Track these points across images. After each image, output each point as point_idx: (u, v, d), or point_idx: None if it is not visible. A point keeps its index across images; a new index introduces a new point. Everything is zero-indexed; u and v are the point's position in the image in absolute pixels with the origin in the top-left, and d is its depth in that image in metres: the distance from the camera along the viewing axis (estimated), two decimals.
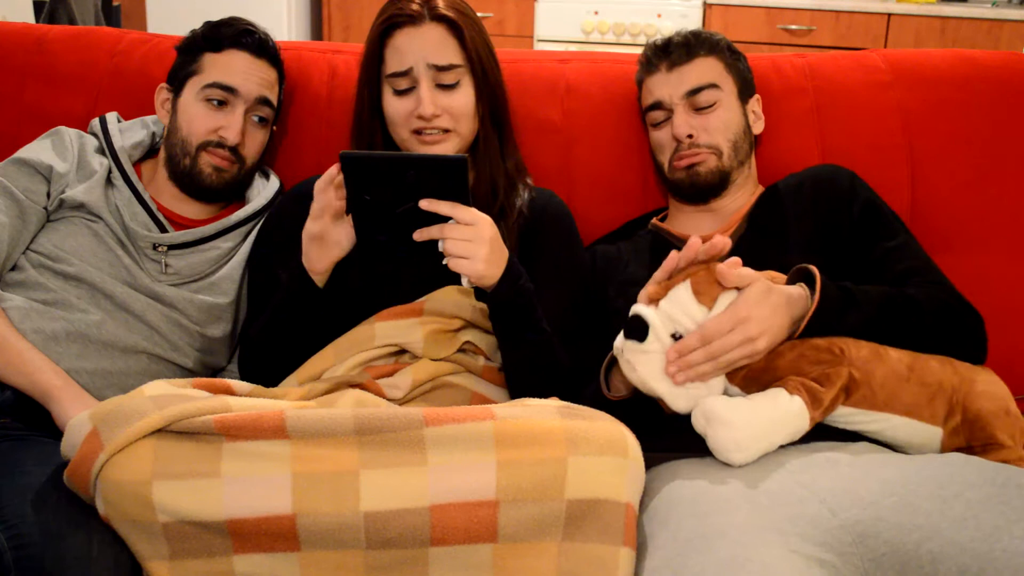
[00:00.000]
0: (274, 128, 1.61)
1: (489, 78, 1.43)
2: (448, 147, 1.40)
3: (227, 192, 1.53)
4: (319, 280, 1.30)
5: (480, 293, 1.34)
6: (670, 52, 1.50)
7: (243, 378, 1.44)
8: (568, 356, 1.38)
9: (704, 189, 1.48)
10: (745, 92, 1.54)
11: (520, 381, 1.35)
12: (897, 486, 1.05)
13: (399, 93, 1.39)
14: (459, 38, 1.38)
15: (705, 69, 1.49)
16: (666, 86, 1.49)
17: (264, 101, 1.51)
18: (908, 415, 1.18)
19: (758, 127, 1.56)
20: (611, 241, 1.58)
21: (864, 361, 1.18)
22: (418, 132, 1.40)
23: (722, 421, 1.12)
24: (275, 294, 1.36)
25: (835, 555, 0.99)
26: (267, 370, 1.38)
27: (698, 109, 1.47)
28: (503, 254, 1.26)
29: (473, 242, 1.20)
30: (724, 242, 1.16)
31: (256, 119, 1.51)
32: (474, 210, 1.20)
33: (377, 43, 1.39)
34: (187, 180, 1.49)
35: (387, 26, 1.38)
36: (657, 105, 1.50)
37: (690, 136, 1.47)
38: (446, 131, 1.39)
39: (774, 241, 1.42)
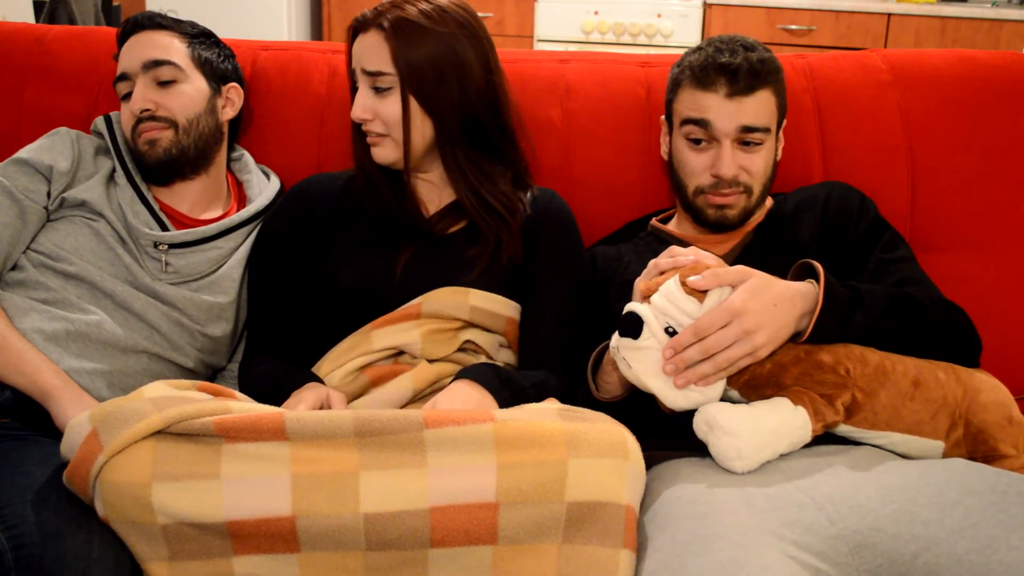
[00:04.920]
0: (233, 85, 1.59)
1: (427, 86, 1.38)
2: (387, 151, 1.42)
3: (185, 161, 1.50)
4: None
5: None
6: (737, 79, 1.38)
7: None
8: (566, 360, 1.38)
9: (727, 227, 1.46)
10: (782, 121, 1.48)
11: None
12: (897, 493, 1.04)
13: (353, 93, 1.43)
14: (389, 44, 1.37)
15: (763, 106, 1.40)
16: (721, 114, 1.39)
17: (154, 63, 1.49)
18: (909, 432, 1.18)
19: (779, 152, 1.51)
20: (611, 243, 1.57)
21: (868, 381, 1.16)
22: (365, 133, 1.43)
23: (725, 430, 1.11)
24: (278, 382, 1.36)
25: (831, 565, 0.99)
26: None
27: (744, 143, 1.41)
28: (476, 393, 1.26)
29: None
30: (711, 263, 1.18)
31: (159, 82, 1.49)
32: None
33: (348, 48, 1.44)
34: (144, 168, 1.50)
35: (350, 34, 1.43)
36: (703, 123, 1.40)
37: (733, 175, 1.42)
38: (381, 135, 1.41)
39: (779, 255, 1.40)
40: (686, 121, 1.43)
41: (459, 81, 1.40)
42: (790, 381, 1.16)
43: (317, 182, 1.52)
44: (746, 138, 1.40)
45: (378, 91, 1.39)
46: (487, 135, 1.45)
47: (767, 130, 1.41)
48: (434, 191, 1.48)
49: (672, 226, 1.56)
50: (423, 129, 1.41)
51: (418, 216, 1.45)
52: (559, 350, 1.40)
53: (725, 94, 1.39)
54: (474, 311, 1.37)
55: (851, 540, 1.01)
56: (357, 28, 1.42)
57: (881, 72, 1.71)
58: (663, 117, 1.54)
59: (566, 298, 1.43)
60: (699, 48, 1.45)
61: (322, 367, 1.36)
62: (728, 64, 1.39)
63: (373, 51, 1.39)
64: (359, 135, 1.46)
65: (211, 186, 1.57)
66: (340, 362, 1.35)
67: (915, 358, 1.21)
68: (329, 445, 1.03)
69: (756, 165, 1.42)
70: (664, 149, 1.53)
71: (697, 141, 1.43)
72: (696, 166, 1.44)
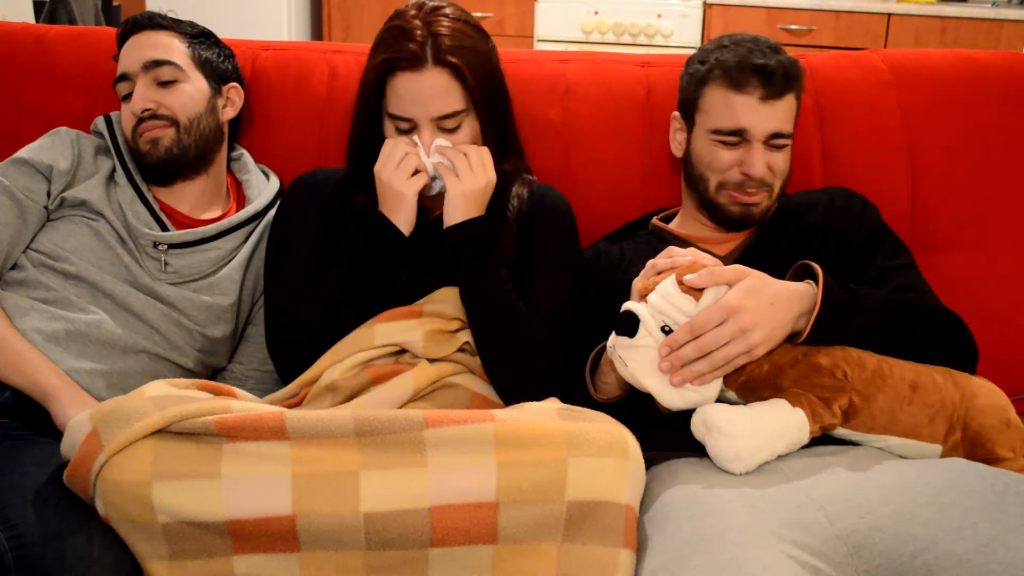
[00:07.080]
0: (234, 85, 1.59)
1: (494, 106, 1.40)
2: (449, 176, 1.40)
3: (186, 161, 1.50)
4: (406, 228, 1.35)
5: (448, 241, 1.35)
6: (772, 82, 1.37)
7: (278, 349, 1.40)
8: (559, 344, 1.37)
9: (748, 224, 1.46)
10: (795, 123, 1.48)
11: (485, 344, 1.34)
12: (896, 493, 1.04)
13: (401, 131, 1.37)
14: (462, 82, 1.33)
15: (789, 110, 1.41)
16: (755, 117, 1.38)
17: (154, 63, 1.49)
18: (907, 436, 1.18)
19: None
20: (613, 241, 1.57)
21: (866, 384, 1.16)
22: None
23: (722, 431, 1.11)
24: (344, 258, 1.36)
25: (830, 565, 0.99)
26: (326, 334, 1.36)
27: (771, 145, 1.41)
28: (479, 209, 1.34)
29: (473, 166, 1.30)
30: (708, 265, 1.17)
31: (159, 82, 1.49)
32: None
33: (377, 81, 1.35)
34: (145, 168, 1.50)
35: (386, 68, 1.33)
36: (738, 132, 1.39)
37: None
38: None
39: (780, 256, 1.40)
40: (718, 131, 1.41)
41: (502, 89, 1.42)
42: (788, 383, 1.16)
43: (323, 175, 1.51)
44: (772, 143, 1.40)
45: (448, 130, 1.35)
46: (508, 133, 1.46)
47: (791, 135, 1.42)
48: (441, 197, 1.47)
49: (674, 225, 1.55)
50: (483, 141, 1.41)
51: (423, 225, 1.44)
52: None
53: (759, 97, 1.38)
54: None
55: (850, 540, 1.01)
56: (397, 67, 1.31)
57: (881, 72, 1.71)
58: (677, 113, 1.52)
59: (562, 287, 1.42)
60: (724, 46, 1.43)
61: (324, 359, 1.36)
62: (764, 66, 1.37)
63: (441, 94, 1.32)
64: (362, 156, 1.43)
65: (211, 186, 1.57)
66: (341, 356, 1.35)
67: (912, 362, 1.21)
68: (329, 444, 1.03)
69: (780, 164, 1.43)
70: (677, 146, 1.52)
71: (728, 143, 1.42)
72: (724, 162, 1.42)
